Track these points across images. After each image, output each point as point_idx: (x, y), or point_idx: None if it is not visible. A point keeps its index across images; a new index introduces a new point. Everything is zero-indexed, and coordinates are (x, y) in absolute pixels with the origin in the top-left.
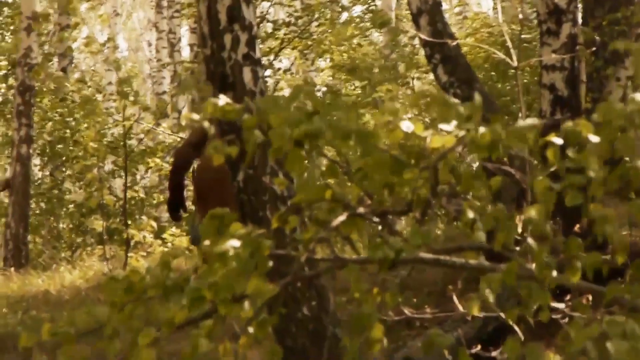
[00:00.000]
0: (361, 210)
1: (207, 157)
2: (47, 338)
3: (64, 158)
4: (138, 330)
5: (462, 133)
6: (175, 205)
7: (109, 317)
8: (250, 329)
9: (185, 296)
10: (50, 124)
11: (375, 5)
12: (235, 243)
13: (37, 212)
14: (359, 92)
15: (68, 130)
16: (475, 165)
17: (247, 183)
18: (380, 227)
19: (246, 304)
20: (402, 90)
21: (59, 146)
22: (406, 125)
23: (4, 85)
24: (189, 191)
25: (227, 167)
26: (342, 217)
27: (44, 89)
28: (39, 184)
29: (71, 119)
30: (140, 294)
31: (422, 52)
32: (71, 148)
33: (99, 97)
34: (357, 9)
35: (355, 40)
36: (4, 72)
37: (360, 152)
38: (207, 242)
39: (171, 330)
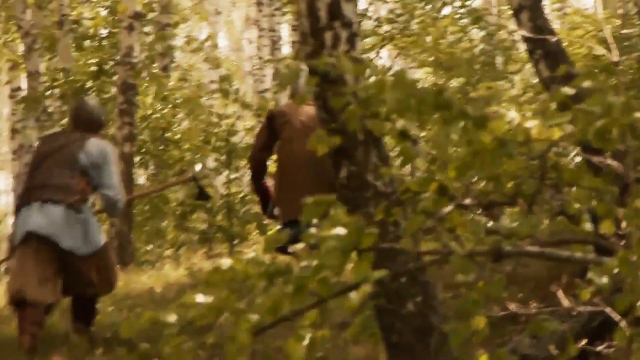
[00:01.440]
0: (467, 201)
1: (286, 156)
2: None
3: (165, 157)
4: (239, 317)
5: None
6: (265, 206)
7: (211, 305)
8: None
9: (290, 283)
10: (151, 123)
11: (474, 0)
12: (340, 230)
13: (142, 210)
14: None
15: (169, 129)
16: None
17: (350, 179)
18: (485, 219)
19: (352, 295)
20: (502, 86)
21: (160, 147)
22: (511, 116)
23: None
24: None
25: (308, 164)
26: (448, 208)
27: (146, 88)
28: (141, 183)
29: (173, 118)
30: (245, 280)
31: (521, 47)
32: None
33: (202, 96)
34: (456, 5)
35: (453, 37)
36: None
37: (467, 141)
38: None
39: (274, 318)
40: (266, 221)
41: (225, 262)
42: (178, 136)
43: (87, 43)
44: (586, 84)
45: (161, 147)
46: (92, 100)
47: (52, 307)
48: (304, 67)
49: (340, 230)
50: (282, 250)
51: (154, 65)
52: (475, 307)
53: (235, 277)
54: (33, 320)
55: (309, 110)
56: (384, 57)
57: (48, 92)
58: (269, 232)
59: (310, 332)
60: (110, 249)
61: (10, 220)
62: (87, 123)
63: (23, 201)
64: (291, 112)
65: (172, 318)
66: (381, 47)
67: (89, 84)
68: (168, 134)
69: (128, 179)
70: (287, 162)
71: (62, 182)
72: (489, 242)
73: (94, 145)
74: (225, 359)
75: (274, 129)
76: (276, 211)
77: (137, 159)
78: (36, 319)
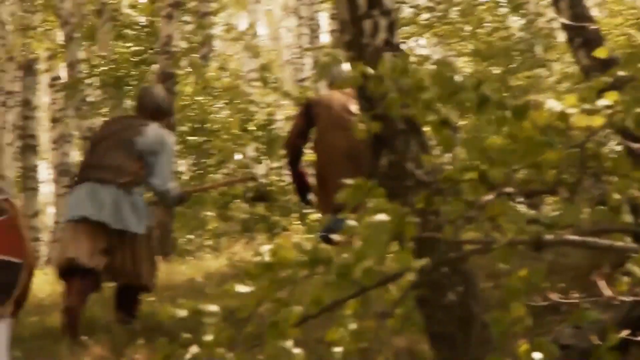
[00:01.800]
0: (508, 190)
1: (322, 147)
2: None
3: (205, 146)
4: (282, 307)
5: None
6: (302, 191)
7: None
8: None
9: (331, 271)
10: (190, 113)
11: None
12: (381, 216)
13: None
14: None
15: (208, 118)
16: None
17: (390, 168)
18: (526, 207)
19: (393, 285)
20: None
21: (200, 138)
22: (552, 104)
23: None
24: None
25: (345, 152)
26: (489, 197)
27: (186, 77)
28: (182, 172)
29: (212, 106)
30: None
31: (560, 35)
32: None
33: (241, 84)
34: None
35: (492, 25)
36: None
37: (507, 130)
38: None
39: (318, 309)
40: (304, 210)
41: (266, 247)
42: (217, 126)
43: (126, 32)
44: (625, 71)
45: (201, 137)
46: (157, 87)
47: (98, 286)
48: (343, 56)
49: (382, 217)
50: (324, 239)
51: (194, 55)
52: (515, 296)
53: (278, 265)
54: (81, 290)
55: (344, 100)
56: (423, 46)
57: (88, 81)
58: (309, 220)
59: (353, 322)
60: (154, 238)
61: (52, 209)
62: (150, 110)
63: (76, 180)
64: (327, 101)
65: (213, 307)
66: (420, 36)
67: (127, 72)
68: (207, 124)
69: None
70: (323, 153)
71: (115, 163)
72: (529, 231)
73: (154, 131)
74: (266, 350)
75: (310, 117)
76: (313, 198)
77: (176, 148)
78: (84, 289)
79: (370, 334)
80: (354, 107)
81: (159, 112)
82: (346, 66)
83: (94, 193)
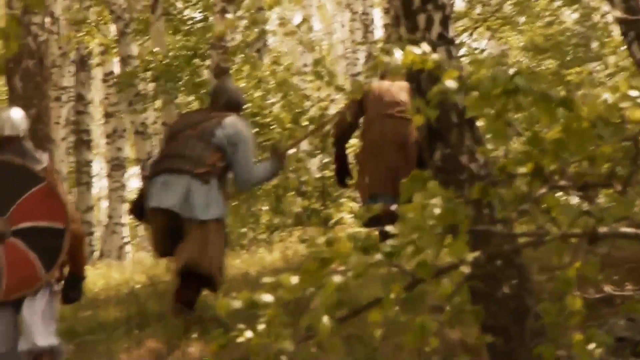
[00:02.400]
0: (562, 183)
1: (370, 136)
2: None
3: (258, 140)
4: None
5: None
6: (341, 172)
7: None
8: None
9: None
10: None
11: None
12: (435, 201)
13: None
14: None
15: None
16: None
17: (445, 162)
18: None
19: (445, 281)
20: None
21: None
22: (606, 96)
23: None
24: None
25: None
26: (542, 190)
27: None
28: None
29: (263, 101)
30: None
31: (614, 29)
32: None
33: (295, 79)
34: None
35: (547, 19)
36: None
37: (559, 123)
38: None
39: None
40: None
41: (320, 239)
42: (270, 120)
43: (180, 26)
44: None
45: (254, 131)
46: (230, 81)
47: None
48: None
49: (435, 201)
50: (373, 223)
51: (248, 49)
52: (568, 288)
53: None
54: (196, 287)
55: (396, 91)
56: (477, 40)
57: (141, 75)
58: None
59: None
60: (226, 233)
61: (105, 204)
62: (226, 102)
63: (152, 172)
64: (378, 92)
65: (267, 297)
66: (474, 30)
67: (181, 66)
68: (257, 118)
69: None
70: (370, 142)
71: (193, 153)
72: (583, 223)
73: (232, 123)
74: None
75: (361, 105)
76: (350, 182)
77: None
78: (198, 286)
79: (431, 327)
80: (405, 99)
81: (233, 105)
82: (398, 58)
83: (169, 183)
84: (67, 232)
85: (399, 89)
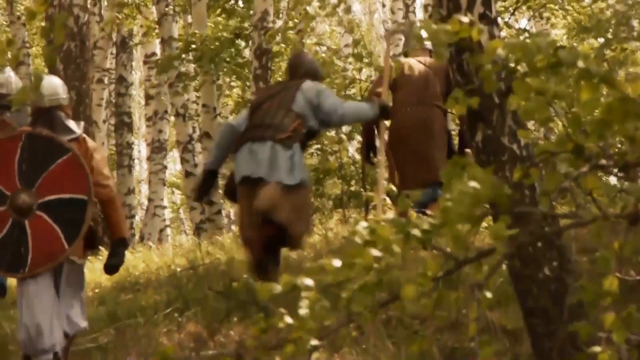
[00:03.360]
0: (603, 162)
1: (399, 117)
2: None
3: None
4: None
5: None
6: (367, 148)
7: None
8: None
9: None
10: None
11: None
12: (474, 184)
13: None
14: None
15: None
16: None
17: (486, 143)
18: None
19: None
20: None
21: None
22: None
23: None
24: None
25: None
26: (584, 169)
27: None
28: None
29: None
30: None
31: None
32: None
33: (336, 60)
34: None
35: None
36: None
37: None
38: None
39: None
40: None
41: (362, 225)
42: None
43: (223, 7)
44: None
45: None
46: (307, 53)
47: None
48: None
49: (474, 185)
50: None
51: (290, 31)
52: (606, 267)
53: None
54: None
55: (426, 74)
56: (518, 20)
57: (182, 56)
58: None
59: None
60: (310, 197)
61: (145, 187)
62: (304, 73)
63: (238, 143)
64: (409, 74)
65: (308, 281)
66: (516, 9)
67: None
68: None
69: None
70: (398, 124)
71: (275, 121)
72: (623, 204)
73: (309, 85)
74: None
75: (393, 85)
76: (375, 160)
77: None
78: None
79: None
80: (435, 82)
81: (311, 75)
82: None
83: (254, 151)
84: (90, 202)
85: (426, 74)
